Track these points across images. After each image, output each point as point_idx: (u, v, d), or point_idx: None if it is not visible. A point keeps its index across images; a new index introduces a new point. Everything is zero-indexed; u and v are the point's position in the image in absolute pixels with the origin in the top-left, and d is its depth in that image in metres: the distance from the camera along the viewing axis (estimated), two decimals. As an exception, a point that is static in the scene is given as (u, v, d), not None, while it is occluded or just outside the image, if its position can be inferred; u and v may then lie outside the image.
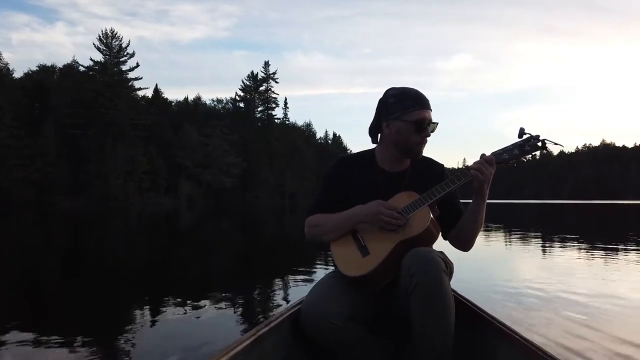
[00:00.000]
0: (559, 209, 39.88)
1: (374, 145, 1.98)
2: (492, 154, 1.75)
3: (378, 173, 1.91)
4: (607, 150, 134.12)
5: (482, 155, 1.73)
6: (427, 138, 1.84)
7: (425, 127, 1.81)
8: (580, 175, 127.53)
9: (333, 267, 1.87)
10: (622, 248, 9.35)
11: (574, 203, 72.24)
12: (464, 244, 1.87)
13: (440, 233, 1.86)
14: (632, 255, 8.03)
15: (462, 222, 1.84)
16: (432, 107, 1.84)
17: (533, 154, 1.72)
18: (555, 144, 1.68)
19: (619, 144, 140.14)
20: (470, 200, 1.77)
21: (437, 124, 1.84)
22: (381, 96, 1.90)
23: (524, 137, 1.70)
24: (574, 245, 10.00)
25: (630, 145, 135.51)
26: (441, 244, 1.84)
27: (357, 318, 1.76)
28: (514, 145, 1.73)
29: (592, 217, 26.66)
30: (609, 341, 3.04)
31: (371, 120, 1.94)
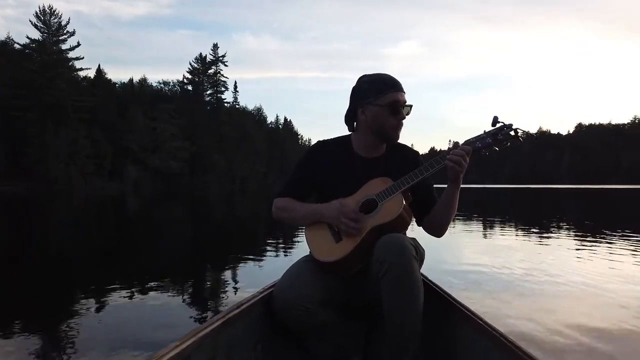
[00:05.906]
0: (499, 194, 41.62)
1: (350, 133, 1.98)
2: (466, 142, 1.75)
3: (354, 159, 1.92)
4: (543, 137, 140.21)
5: (456, 144, 1.74)
6: (403, 121, 1.86)
7: (399, 109, 1.83)
8: (519, 160, 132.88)
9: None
10: (555, 229, 10.25)
11: (512, 187, 75.47)
12: (438, 230, 1.90)
13: (414, 219, 1.89)
14: (564, 236, 8.92)
15: (436, 208, 1.87)
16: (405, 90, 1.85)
17: (505, 143, 1.71)
18: (527, 132, 1.70)
19: (554, 131, 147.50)
20: (444, 185, 1.80)
21: (412, 106, 1.85)
22: (354, 84, 1.91)
23: (497, 125, 1.71)
24: (515, 228, 10.71)
25: (564, 132, 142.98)
26: (413, 231, 1.87)
27: (329, 302, 1.78)
28: (487, 133, 1.72)
29: (529, 201, 27.99)
30: (555, 318, 3.28)
31: (347, 108, 1.93)
